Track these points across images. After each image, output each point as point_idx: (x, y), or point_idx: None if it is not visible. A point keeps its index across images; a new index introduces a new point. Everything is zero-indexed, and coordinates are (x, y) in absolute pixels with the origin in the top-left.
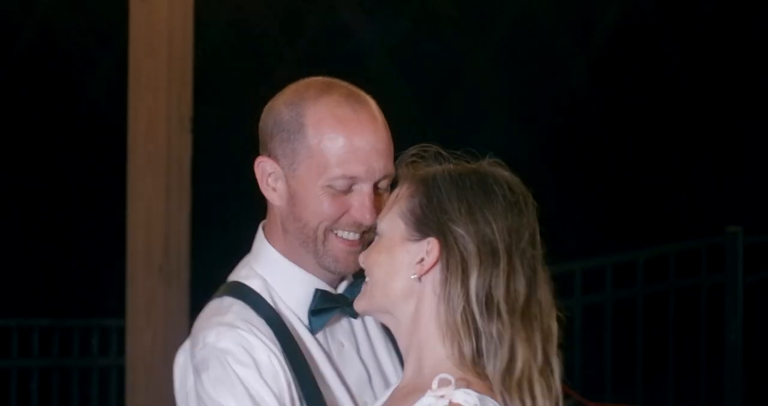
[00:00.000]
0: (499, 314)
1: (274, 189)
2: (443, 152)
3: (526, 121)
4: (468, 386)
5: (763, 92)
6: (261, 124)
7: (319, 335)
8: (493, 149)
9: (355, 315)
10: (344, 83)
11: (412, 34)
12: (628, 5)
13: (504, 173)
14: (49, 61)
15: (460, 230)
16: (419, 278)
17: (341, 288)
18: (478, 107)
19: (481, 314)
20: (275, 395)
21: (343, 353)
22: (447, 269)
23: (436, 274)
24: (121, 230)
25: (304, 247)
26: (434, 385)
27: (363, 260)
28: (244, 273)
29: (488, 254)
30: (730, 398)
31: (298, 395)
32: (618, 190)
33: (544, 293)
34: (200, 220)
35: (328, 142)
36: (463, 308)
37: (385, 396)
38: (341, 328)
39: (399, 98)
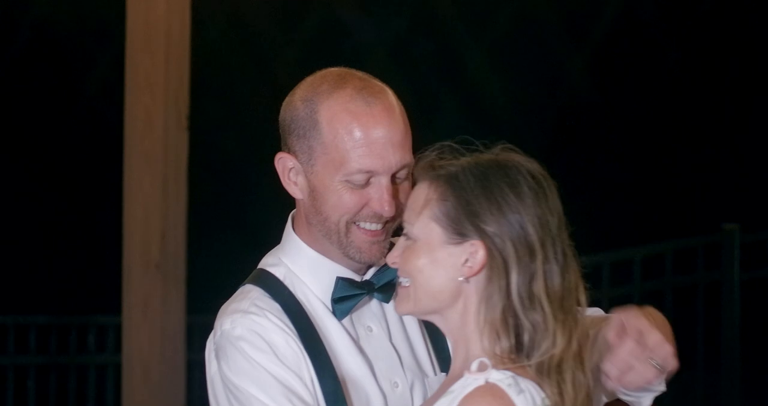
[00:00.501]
0: (541, 307)
1: (295, 183)
2: (459, 148)
3: (524, 119)
4: (505, 368)
5: (762, 89)
6: (280, 119)
7: (345, 321)
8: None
9: (386, 300)
10: (360, 73)
11: (410, 33)
12: (627, 2)
13: (521, 159)
14: (47, 59)
15: (495, 231)
16: (467, 280)
17: (369, 274)
18: (476, 105)
19: (523, 309)
20: (296, 374)
21: (371, 337)
22: (490, 269)
23: (480, 273)
24: (117, 228)
25: (328, 238)
26: (473, 367)
27: (400, 265)
28: (270, 261)
29: (525, 251)
30: (727, 395)
31: (315, 380)
32: (615, 188)
33: (574, 272)
34: (197, 217)
35: (342, 138)
36: (504, 305)
37: (434, 386)
38: (370, 312)
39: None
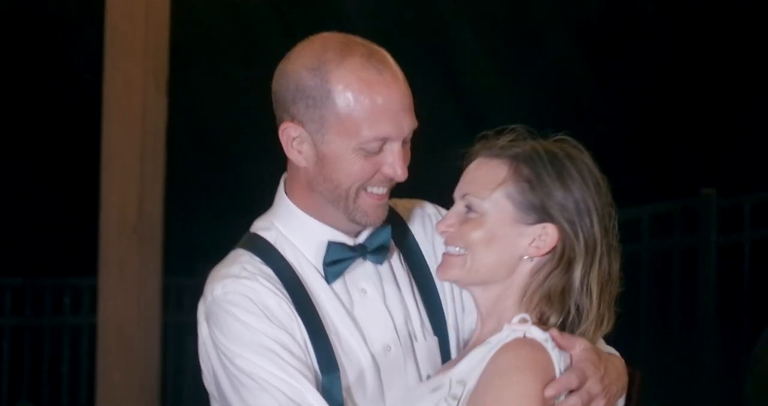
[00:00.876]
0: (590, 293)
1: (300, 152)
2: (524, 132)
3: (513, 91)
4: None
5: (741, 52)
6: (277, 87)
7: (337, 284)
8: (482, 119)
9: (379, 261)
10: (359, 39)
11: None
12: None
13: (578, 153)
14: (27, 25)
15: (569, 218)
16: (531, 259)
17: (361, 238)
18: (470, 81)
19: (578, 293)
20: (290, 335)
21: (365, 300)
22: (555, 252)
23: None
24: (95, 190)
25: (334, 204)
26: (514, 320)
27: (455, 234)
28: (261, 225)
29: (591, 247)
30: (703, 358)
31: (308, 344)
32: (591, 152)
33: (616, 262)
34: (174, 180)
35: (357, 107)
36: (561, 287)
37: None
38: (365, 274)
39: None
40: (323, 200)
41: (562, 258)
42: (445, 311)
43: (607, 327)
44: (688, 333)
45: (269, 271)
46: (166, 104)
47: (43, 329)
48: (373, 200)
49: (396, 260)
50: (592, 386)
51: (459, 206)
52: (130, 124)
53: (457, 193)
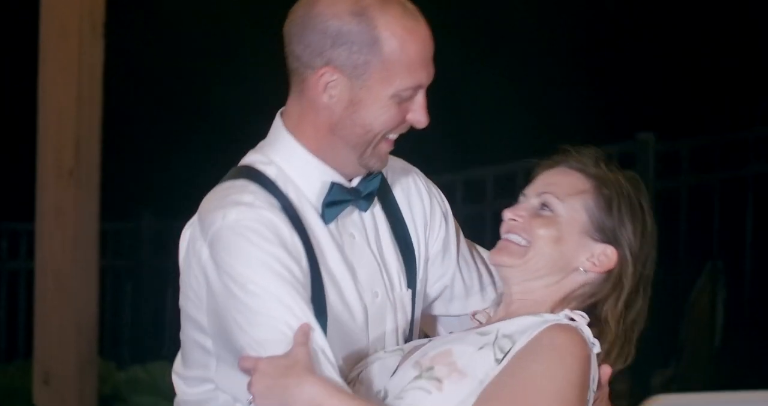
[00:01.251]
0: (621, 323)
1: (331, 96)
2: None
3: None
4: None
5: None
6: (305, 32)
7: (331, 226)
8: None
9: (365, 208)
10: None
11: None
12: None
13: (646, 199)
14: None
15: (632, 251)
16: (585, 271)
17: (354, 182)
18: None
19: (612, 324)
20: (302, 271)
21: (354, 245)
22: (609, 275)
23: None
24: (32, 136)
25: (355, 149)
26: (567, 312)
27: (524, 226)
28: (258, 158)
29: (642, 285)
30: None
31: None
32: (528, 96)
33: (645, 301)
34: (111, 125)
35: (402, 55)
36: (603, 311)
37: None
38: (351, 220)
39: None
40: (341, 143)
41: (612, 282)
42: (417, 267)
43: (628, 361)
44: None
45: (278, 204)
46: (102, 47)
47: None
48: (388, 146)
49: (378, 210)
50: None
51: (532, 202)
52: (67, 68)
53: (532, 191)
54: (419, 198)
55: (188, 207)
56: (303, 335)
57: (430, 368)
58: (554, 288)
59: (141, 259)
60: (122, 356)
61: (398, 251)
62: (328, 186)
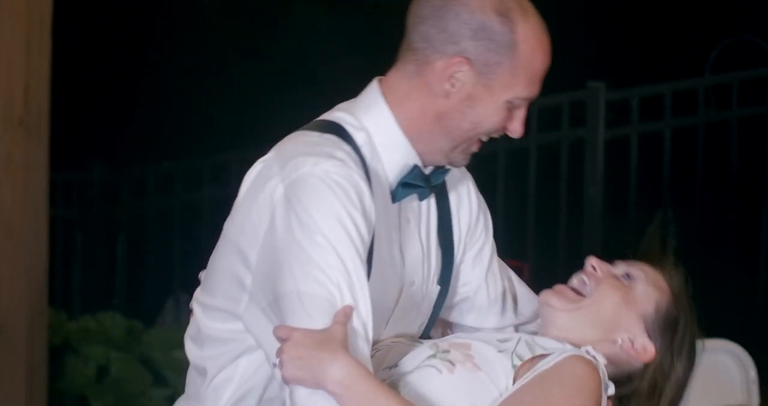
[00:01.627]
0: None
1: (453, 85)
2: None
3: None
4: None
5: None
6: (445, 17)
7: (396, 206)
8: None
9: (424, 197)
10: None
11: None
12: None
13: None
14: None
15: (667, 356)
16: (621, 348)
17: (427, 171)
18: None
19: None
20: (367, 243)
21: (409, 229)
22: (643, 373)
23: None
24: None
25: (451, 141)
26: (592, 349)
27: (601, 281)
28: (349, 120)
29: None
30: (589, 251)
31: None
32: None
33: None
34: (61, 74)
35: (530, 66)
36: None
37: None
38: (411, 206)
39: None
40: (442, 132)
41: (642, 377)
42: (453, 267)
43: None
44: (576, 226)
45: (362, 172)
46: None
47: None
48: (477, 147)
49: (433, 202)
50: None
51: (619, 270)
52: (15, 14)
53: (623, 264)
54: (469, 203)
55: (139, 157)
56: (344, 316)
57: (446, 351)
58: (585, 344)
59: (92, 209)
60: (73, 306)
61: (440, 247)
62: (409, 168)
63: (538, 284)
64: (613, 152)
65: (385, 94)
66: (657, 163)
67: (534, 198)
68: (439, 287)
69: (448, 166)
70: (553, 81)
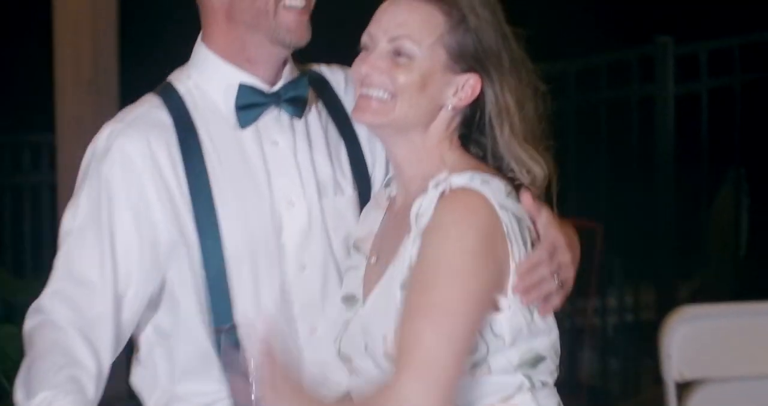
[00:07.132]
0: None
1: None
2: None
3: None
4: (461, 172)
5: None
6: None
7: (248, 135)
8: None
9: (299, 114)
10: None
11: None
12: None
13: None
14: None
15: (492, 70)
16: (451, 108)
17: (277, 86)
18: None
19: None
20: (142, 209)
21: (276, 152)
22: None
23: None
24: (49, 45)
25: (255, 27)
26: (431, 184)
27: (387, 78)
28: (178, 75)
29: (517, 72)
30: (661, 210)
31: (189, 201)
32: (547, 0)
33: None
34: (129, 34)
35: None
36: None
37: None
38: (279, 126)
39: None
40: (242, 29)
41: (477, 107)
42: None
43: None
44: (647, 184)
45: (170, 121)
46: None
47: (2, 188)
48: (294, 15)
49: (314, 115)
50: (562, 255)
51: (383, 48)
52: None
53: (381, 34)
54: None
55: None
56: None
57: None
58: (432, 139)
59: None
60: None
61: (342, 157)
62: (235, 88)
63: (611, 243)
64: (682, 109)
65: (203, 39)
66: (728, 120)
67: (605, 157)
68: (356, 193)
69: (301, 74)
70: (620, 36)
